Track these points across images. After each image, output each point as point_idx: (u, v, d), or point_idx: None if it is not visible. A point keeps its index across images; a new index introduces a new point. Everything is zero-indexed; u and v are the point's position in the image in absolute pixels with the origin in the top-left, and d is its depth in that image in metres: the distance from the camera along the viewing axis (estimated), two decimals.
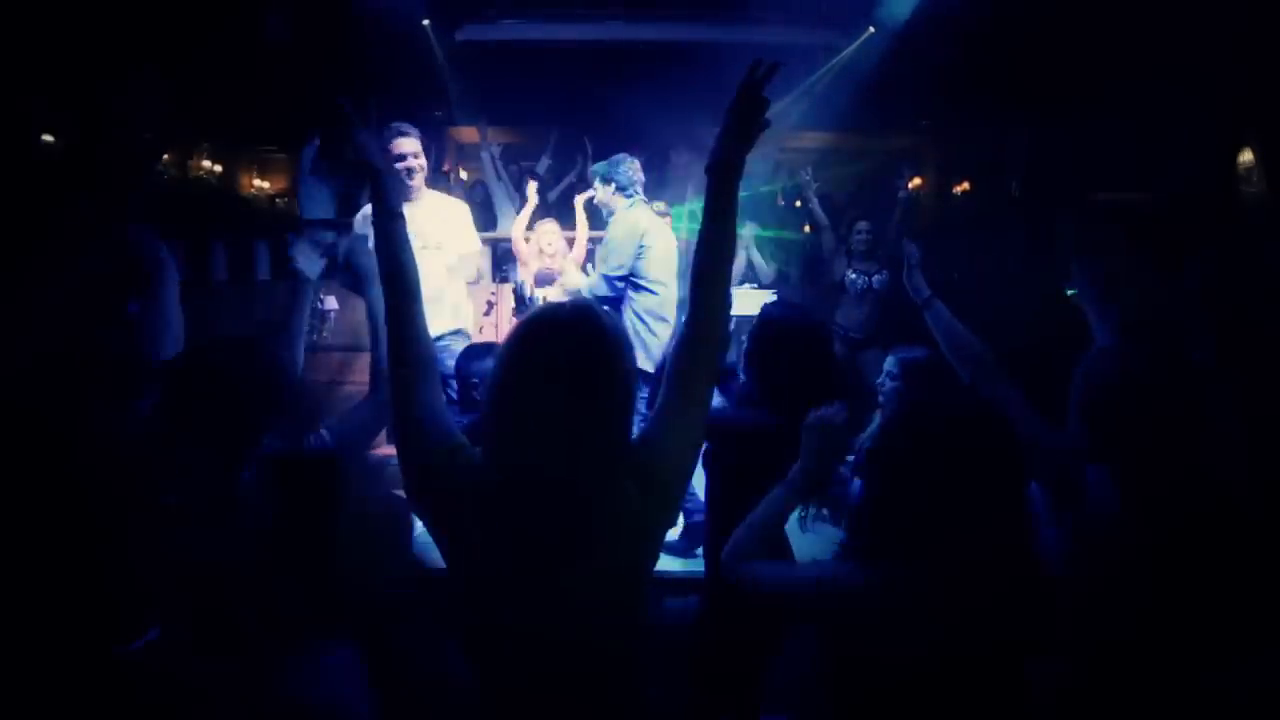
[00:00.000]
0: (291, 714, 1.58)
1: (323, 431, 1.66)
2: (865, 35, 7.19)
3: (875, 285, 4.74)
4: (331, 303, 4.89)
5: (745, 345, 2.26)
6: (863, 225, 4.87)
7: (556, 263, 4.51)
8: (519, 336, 1.23)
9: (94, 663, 1.68)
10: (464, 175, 9.39)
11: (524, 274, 4.71)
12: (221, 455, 1.55)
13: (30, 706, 1.64)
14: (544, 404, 1.17)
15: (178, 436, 1.56)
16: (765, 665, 2.27)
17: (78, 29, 6.49)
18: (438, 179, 6.77)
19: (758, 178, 8.07)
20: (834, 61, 7.63)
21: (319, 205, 6.64)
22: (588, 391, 1.18)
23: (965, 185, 9.60)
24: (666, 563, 3.19)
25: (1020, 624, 1.33)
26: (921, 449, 1.35)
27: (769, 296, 4.31)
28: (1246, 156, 5.81)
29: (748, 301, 4.16)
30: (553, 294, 4.27)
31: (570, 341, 1.19)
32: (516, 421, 1.19)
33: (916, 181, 8.66)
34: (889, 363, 3.01)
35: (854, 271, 4.80)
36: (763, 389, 2.18)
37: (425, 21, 7.04)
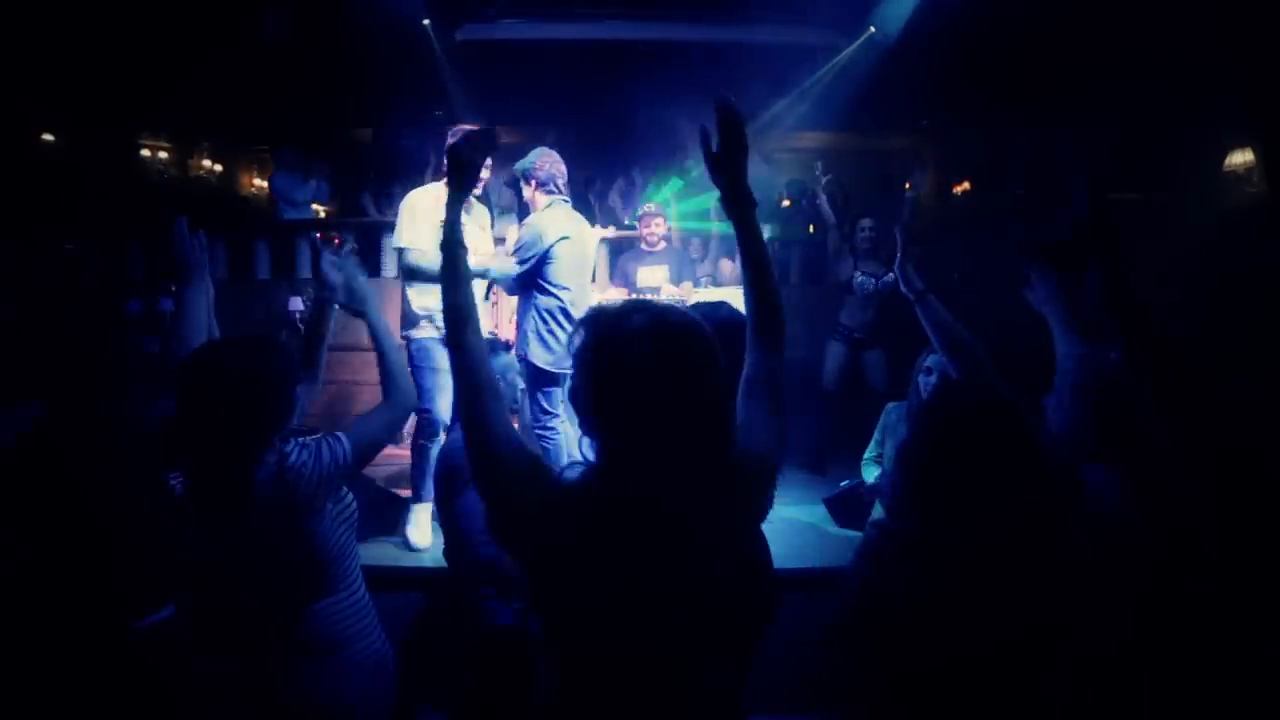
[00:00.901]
0: (298, 712, 1.58)
1: (340, 435, 1.68)
2: (865, 35, 7.20)
3: (882, 288, 4.72)
4: None
5: None
6: (866, 223, 4.85)
7: None
8: (620, 347, 1.15)
9: (102, 641, 1.69)
10: None
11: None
12: (234, 453, 1.56)
13: (41, 683, 1.65)
14: (654, 418, 1.12)
15: (191, 434, 1.57)
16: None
17: (77, 30, 6.49)
18: (437, 178, 6.77)
19: (760, 179, 8.06)
20: (834, 61, 7.64)
21: (295, 209, 6.64)
22: (696, 401, 1.14)
23: (965, 185, 9.61)
24: None
25: (1052, 592, 1.37)
26: (947, 434, 1.42)
27: None
28: (1246, 156, 5.83)
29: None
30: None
31: (677, 350, 1.15)
32: (623, 437, 1.15)
33: (929, 181, 8.59)
34: (933, 360, 3.00)
35: (862, 273, 4.77)
36: None
37: (425, 21, 7.04)
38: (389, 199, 7.31)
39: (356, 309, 1.87)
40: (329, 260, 1.88)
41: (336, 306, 1.92)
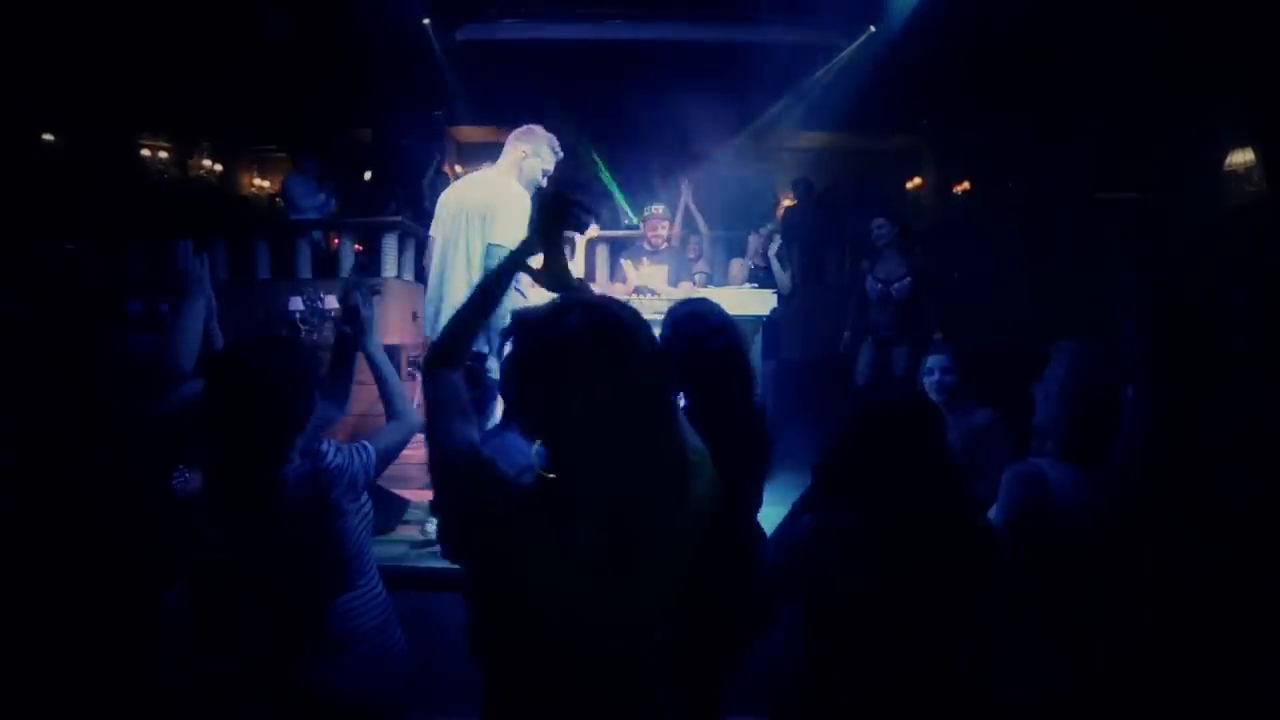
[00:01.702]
0: (313, 707, 1.59)
1: (365, 443, 1.72)
2: (865, 35, 7.20)
3: (894, 294, 4.74)
4: (331, 302, 4.89)
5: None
6: (878, 221, 4.87)
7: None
8: (560, 348, 1.12)
9: (100, 638, 1.70)
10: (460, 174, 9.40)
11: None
12: (260, 453, 1.58)
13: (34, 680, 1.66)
14: (600, 416, 1.10)
15: (216, 434, 1.59)
16: (727, 666, 2.21)
17: (77, 30, 6.49)
18: (439, 179, 6.77)
19: (758, 180, 8.08)
20: (834, 61, 7.64)
21: (300, 215, 6.64)
22: (641, 394, 1.12)
23: (965, 185, 9.61)
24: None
25: (959, 563, 1.48)
26: (861, 427, 1.57)
27: (770, 297, 4.29)
28: (1247, 156, 5.83)
29: (748, 302, 4.15)
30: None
31: (618, 344, 1.12)
32: (570, 438, 1.12)
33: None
34: (933, 361, 3.12)
35: (873, 278, 4.79)
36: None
37: (425, 21, 7.04)
38: (398, 200, 7.33)
39: (357, 336, 1.89)
40: (363, 297, 1.89)
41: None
